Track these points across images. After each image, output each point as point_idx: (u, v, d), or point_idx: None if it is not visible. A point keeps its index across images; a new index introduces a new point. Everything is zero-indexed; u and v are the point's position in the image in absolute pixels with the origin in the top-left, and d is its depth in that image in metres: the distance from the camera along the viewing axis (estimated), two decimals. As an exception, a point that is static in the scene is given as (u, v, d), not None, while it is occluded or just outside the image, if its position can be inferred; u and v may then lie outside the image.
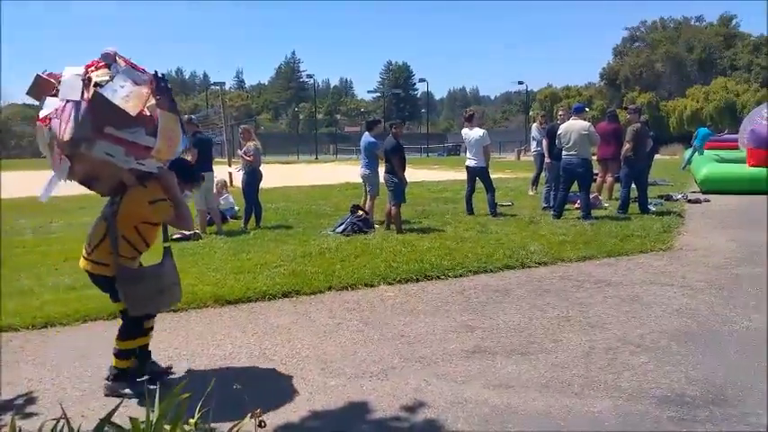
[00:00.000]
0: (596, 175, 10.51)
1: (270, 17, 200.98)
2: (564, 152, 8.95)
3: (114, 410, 2.19)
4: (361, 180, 9.36)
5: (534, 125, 12.89)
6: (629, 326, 4.36)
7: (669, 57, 54.56)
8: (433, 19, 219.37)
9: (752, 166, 12.19)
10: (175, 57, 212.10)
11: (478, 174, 9.72)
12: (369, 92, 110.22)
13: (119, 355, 3.44)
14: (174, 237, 7.25)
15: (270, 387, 3.49)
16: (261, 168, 9.48)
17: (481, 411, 3.07)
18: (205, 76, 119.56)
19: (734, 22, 57.56)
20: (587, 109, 9.22)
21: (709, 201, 11.16)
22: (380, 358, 3.92)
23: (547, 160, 10.26)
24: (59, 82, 3.20)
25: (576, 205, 9.75)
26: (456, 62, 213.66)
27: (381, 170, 8.61)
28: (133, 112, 3.12)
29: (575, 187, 9.22)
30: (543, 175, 11.28)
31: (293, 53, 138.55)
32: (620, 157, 9.56)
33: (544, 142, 10.39)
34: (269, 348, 4.15)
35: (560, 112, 10.58)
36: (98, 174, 3.28)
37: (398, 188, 8.34)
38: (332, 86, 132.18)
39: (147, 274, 3.38)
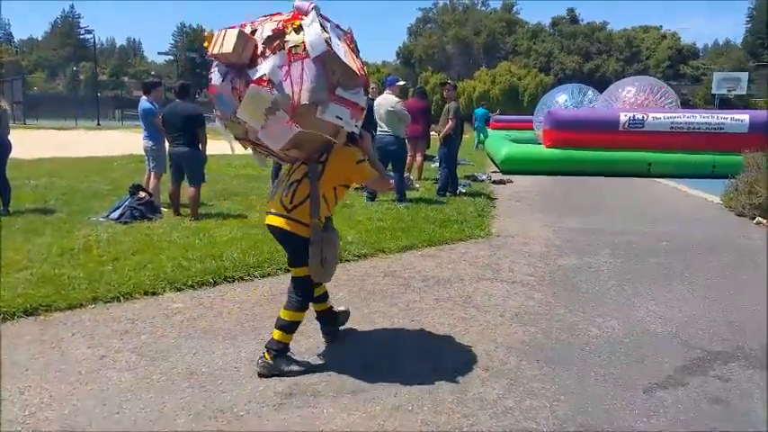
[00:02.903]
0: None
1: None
2: (378, 129, 8.31)
3: None
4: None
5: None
6: (471, 340, 3.75)
7: (458, 39, 58.27)
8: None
9: (548, 147, 12.97)
10: None
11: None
12: (160, 53, 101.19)
13: (286, 327, 3.25)
14: None
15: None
16: (9, 138, 7.35)
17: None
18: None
19: (515, 9, 63.40)
20: (401, 82, 8.54)
21: (512, 181, 11.52)
22: (159, 416, 2.77)
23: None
24: (269, 39, 2.89)
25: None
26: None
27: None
28: (358, 72, 3.05)
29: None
30: None
31: (72, 7, 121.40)
32: (439, 137, 9.21)
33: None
34: (-21, 416, 2.74)
35: (372, 86, 9.94)
36: (314, 138, 3.02)
37: (200, 165, 6.97)
38: (118, 46, 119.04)
39: (335, 240, 3.27)
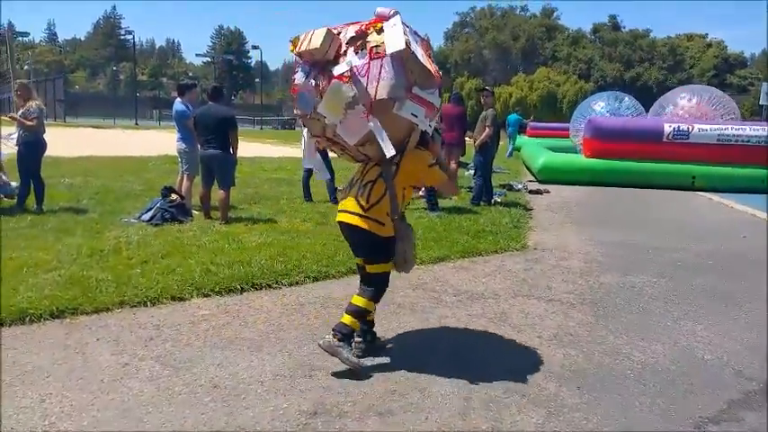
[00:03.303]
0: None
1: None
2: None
3: None
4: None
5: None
6: (506, 362, 3.55)
7: (496, 44, 57.63)
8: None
9: (588, 156, 12.60)
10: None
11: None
12: (198, 55, 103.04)
13: (357, 313, 3.34)
14: None
15: None
16: (45, 137, 7.40)
17: None
18: (10, 24, 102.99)
19: (555, 14, 62.42)
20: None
21: (549, 192, 11.21)
22: (179, 430, 2.65)
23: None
24: (353, 39, 3.10)
25: (421, 193, 9.07)
26: (293, 32, 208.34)
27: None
28: (434, 74, 3.19)
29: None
30: None
31: (114, 8, 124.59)
32: (475, 144, 8.99)
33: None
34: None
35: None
36: (389, 135, 3.09)
37: (231, 169, 6.92)
38: (157, 47, 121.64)
39: (411, 236, 3.41)
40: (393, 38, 3.01)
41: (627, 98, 16.95)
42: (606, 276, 5.55)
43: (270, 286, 4.78)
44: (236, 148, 6.87)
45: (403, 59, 3.04)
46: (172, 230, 6.36)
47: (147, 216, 6.72)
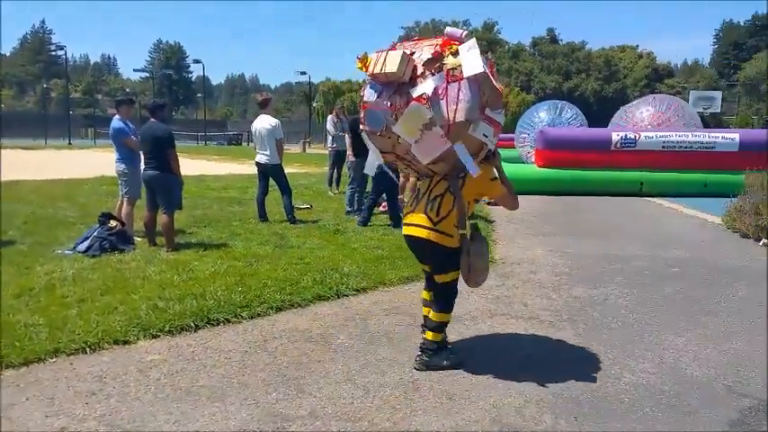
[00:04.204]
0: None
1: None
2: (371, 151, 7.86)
3: None
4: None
5: (330, 118, 11.69)
6: (496, 393, 3.25)
7: (441, 58, 58.24)
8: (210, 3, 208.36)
9: (540, 166, 12.64)
10: None
11: (271, 172, 8.16)
12: (135, 71, 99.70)
13: (437, 328, 3.54)
14: None
15: None
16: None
17: None
18: None
19: (496, 28, 63.71)
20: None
21: (505, 203, 11.05)
22: None
23: (351, 158, 9.02)
24: (429, 61, 3.17)
25: (382, 209, 8.78)
26: (234, 47, 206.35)
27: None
28: (501, 93, 3.35)
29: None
30: (347, 173, 9.97)
31: (42, 22, 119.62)
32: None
33: (347, 137, 9.13)
34: None
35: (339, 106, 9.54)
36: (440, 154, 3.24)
37: (173, 190, 6.40)
38: (92, 63, 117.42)
39: (481, 248, 3.46)
40: (471, 62, 3.11)
41: (567, 107, 17.22)
42: (578, 289, 5.38)
43: (228, 321, 4.33)
44: (176, 168, 6.35)
45: (479, 82, 3.17)
46: (112, 262, 5.78)
47: (83, 246, 6.11)
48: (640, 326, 4.41)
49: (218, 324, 4.27)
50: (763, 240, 7.32)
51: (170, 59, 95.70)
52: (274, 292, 4.85)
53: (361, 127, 3.56)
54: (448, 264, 3.44)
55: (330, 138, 11.49)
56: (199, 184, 13.08)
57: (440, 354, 3.53)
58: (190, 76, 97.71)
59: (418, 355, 3.56)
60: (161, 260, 5.86)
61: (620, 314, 4.68)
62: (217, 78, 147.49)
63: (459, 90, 3.12)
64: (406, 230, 3.51)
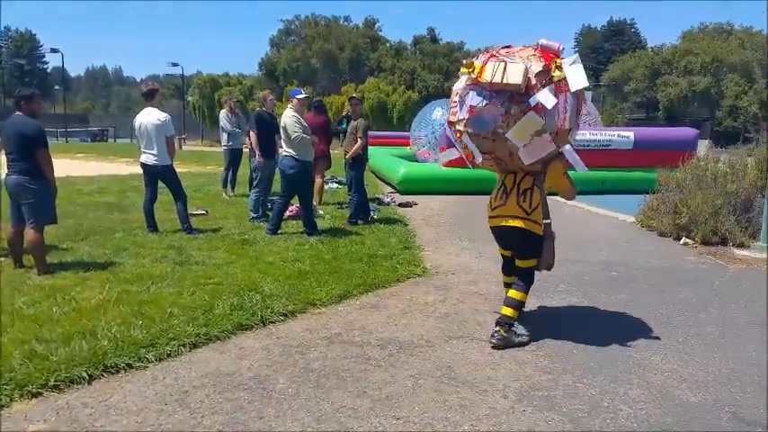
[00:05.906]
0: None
1: None
2: (284, 150, 7.00)
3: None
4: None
5: (223, 112, 10.55)
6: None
7: (323, 53, 57.13)
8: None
9: (445, 166, 12.35)
10: None
11: (161, 174, 7.01)
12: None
13: (517, 306, 3.93)
14: None
15: None
16: None
17: None
18: None
19: (376, 26, 63.62)
20: (302, 95, 7.14)
21: (417, 204, 10.59)
22: None
23: (258, 159, 8.01)
24: (540, 73, 3.54)
25: (290, 213, 7.94)
26: (95, 37, 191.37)
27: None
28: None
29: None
30: (253, 175, 8.83)
31: None
32: (347, 158, 8.00)
33: (252, 135, 8.12)
34: None
35: (270, 97, 8.55)
36: (551, 153, 3.76)
37: (45, 199, 5.17)
38: None
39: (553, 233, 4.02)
40: (577, 76, 3.57)
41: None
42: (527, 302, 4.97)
43: (131, 366, 3.38)
44: (49, 172, 5.13)
45: (580, 93, 3.70)
46: (-37, 291, 4.51)
47: None
48: (609, 344, 4.02)
49: (118, 371, 3.33)
50: (684, 239, 7.44)
51: (21, 48, 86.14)
52: (184, 324, 3.93)
53: (463, 127, 3.78)
54: (533, 250, 3.95)
55: (226, 135, 10.37)
56: (67, 186, 11.32)
57: (512, 331, 3.87)
58: (45, 66, 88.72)
59: (496, 331, 3.83)
60: (33, 287, 4.66)
61: (583, 329, 4.25)
62: (76, 70, 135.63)
63: (565, 101, 3.57)
64: (498, 222, 3.94)
